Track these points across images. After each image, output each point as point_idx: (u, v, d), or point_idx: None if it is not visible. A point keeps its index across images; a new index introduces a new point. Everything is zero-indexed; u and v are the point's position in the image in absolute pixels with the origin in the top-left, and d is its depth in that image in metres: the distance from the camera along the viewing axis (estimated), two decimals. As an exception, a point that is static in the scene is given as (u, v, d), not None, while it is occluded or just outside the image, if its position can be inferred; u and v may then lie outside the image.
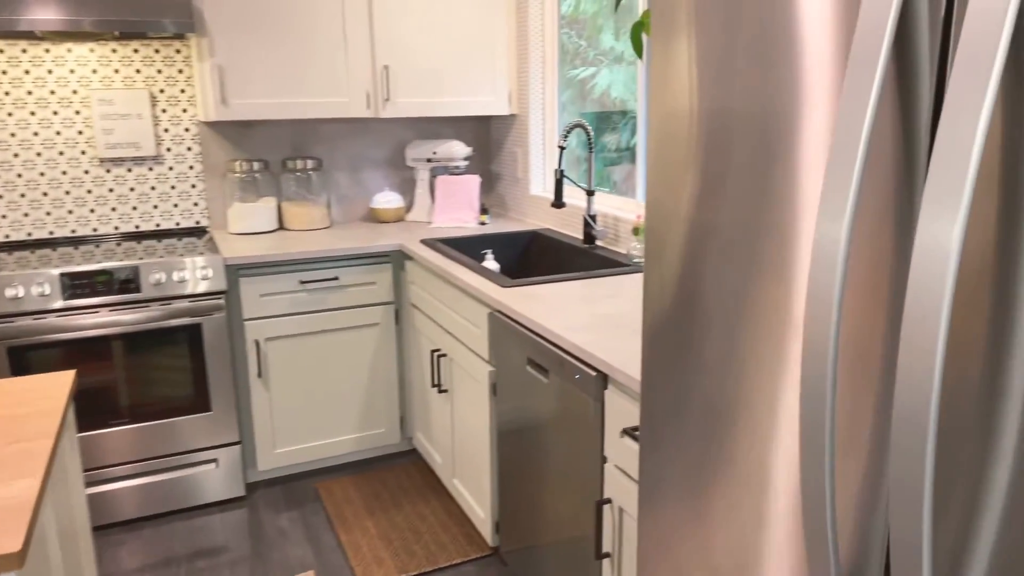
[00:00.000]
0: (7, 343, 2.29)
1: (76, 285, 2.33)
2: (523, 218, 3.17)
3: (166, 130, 2.88)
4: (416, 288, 2.63)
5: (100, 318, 2.36)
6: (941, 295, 0.59)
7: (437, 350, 2.46)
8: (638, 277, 2.13)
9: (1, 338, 2.28)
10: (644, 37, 1.69)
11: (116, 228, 2.88)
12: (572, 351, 1.62)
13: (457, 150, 3.10)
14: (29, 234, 2.76)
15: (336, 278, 2.65)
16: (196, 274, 2.46)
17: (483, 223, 3.06)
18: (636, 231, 2.21)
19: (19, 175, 2.72)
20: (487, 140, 3.41)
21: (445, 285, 2.35)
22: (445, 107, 2.97)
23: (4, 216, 2.72)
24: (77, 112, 2.75)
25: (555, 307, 1.86)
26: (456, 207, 3.06)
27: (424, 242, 2.69)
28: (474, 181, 3.06)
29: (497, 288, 2.05)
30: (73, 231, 2.82)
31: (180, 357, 2.49)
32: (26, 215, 2.75)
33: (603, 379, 1.54)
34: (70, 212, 2.80)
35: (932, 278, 0.59)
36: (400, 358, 2.85)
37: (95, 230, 2.85)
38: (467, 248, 2.77)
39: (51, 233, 2.79)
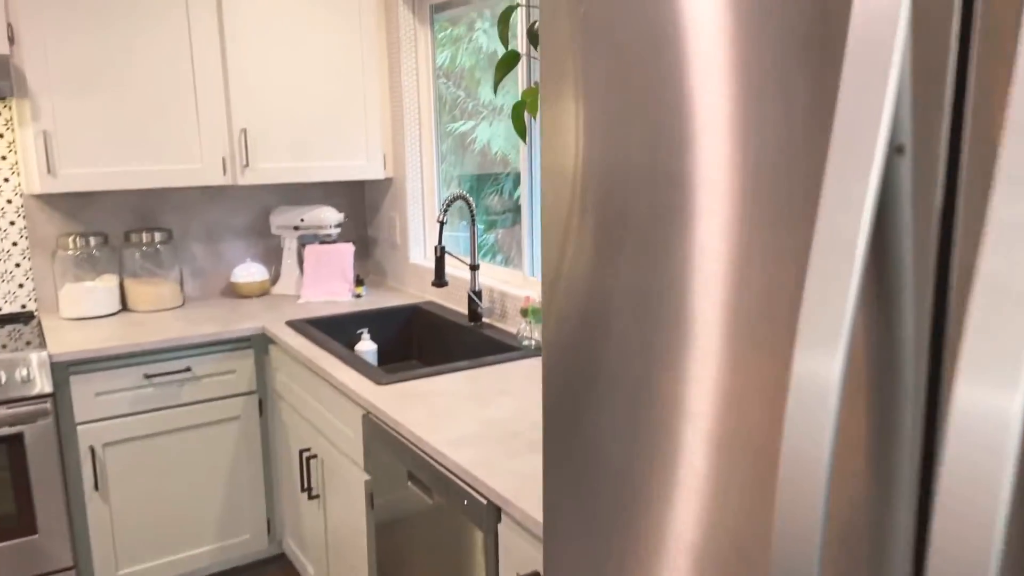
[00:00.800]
0: None
1: None
2: (402, 287, 2.95)
3: (-19, 202, 2.48)
4: (282, 376, 2.35)
5: None
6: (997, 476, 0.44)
7: (306, 450, 2.18)
8: (529, 363, 1.96)
9: None
10: (527, 116, 1.54)
11: (-83, 318, 2.44)
12: (458, 472, 1.41)
13: (327, 216, 2.86)
14: None
15: (188, 369, 2.34)
16: (15, 375, 2.08)
17: (359, 295, 2.82)
18: (526, 312, 2.05)
19: None
20: (361, 203, 3.19)
21: (313, 377, 2.09)
22: (313, 172, 2.73)
23: None
24: None
25: (438, 410, 1.65)
26: (328, 279, 2.81)
27: (291, 324, 2.42)
28: (347, 250, 2.82)
29: (371, 386, 1.82)
30: None
31: (-6, 474, 2.09)
32: None
33: (496, 509, 1.33)
34: None
35: (979, 457, 0.44)
36: (266, 454, 2.54)
37: None
38: (339, 328, 2.52)
39: None
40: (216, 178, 2.57)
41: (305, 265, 2.82)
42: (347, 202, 3.15)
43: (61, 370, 2.19)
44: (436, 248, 2.21)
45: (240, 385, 2.43)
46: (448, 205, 2.21)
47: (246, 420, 2.46)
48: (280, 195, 3.00)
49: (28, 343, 2.24)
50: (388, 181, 2.97)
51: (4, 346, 2.20)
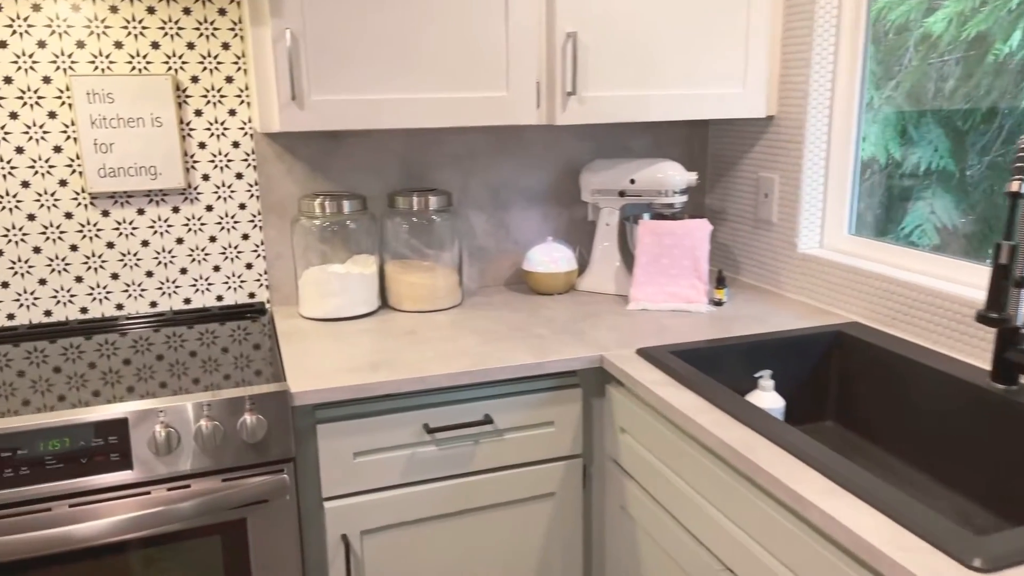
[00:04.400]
0: None
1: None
2: (778, 290, 1.91)
3: (202, 146, 1.73)
4: (632, 441, 1.41)
5: (44, 521, 1.22)
6: None
7: (703, 598, 1.22)
8: None
9: None
10: None
11: (119, 307, 1.75)
12: None
13: (672, 177, 1.86)
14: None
15: (488, 419, 1.45)
16: (237, 427, 1.29)
17: (719, 303, 1.82)
18: None
19: (-45, 223, 1.61)
20: (702, 158, 2.17)
21: (735, 479, 1.12)
22: (661, 105, 1.73)
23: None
24: (52, 115, 1.62)
25: None
26: (672, 274, 1.82)
27: (646, 355, 1.46)
28: (703, 231, 1.82)
29: (946, 565, 0.80)
30: (48, 312, 1.70)
31: None
32: (4, 285, 1.64)
33: None
34: (41, 283, 1.68)
35: None
36: (589, 549, 1.62)
37: (84, 311, 1.73)
38: (717, 363, 1.53)
39: (10, 317, 1.68)
40: (526, 113, 1.65)
41: (638, 251, 1.84)
42: (683, 154, 2.14)
43: (305, 416, 1.38)
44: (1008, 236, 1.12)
45: (560, 444, 1.52)
46: None
47: (564, 499, 1.55)
48: (592, 142, 2.04)
49: (259, 359, 1.46)
50: (761, 124, 1.91)
51: (227, 367, 1.43)
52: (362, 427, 1.39)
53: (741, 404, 1.22)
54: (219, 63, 1.71)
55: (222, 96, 1.72)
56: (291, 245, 1.83)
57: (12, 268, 1.65)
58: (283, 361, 1.46)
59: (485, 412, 1.46)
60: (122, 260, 1.72)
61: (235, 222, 1.78)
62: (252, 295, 1.83)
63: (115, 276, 1.72)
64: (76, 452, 1.20)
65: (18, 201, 1.63)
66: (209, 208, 1.76)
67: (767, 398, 1.44)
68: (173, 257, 1.76)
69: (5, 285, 1.65)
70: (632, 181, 1.89)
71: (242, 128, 1.75)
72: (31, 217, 1.64)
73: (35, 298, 1.68)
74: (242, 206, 1.78)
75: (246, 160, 1.76)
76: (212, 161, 1.74)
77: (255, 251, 1.81)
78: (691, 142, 2.13)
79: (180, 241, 1.75)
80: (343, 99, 1.52)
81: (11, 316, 1.67)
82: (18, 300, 1.66)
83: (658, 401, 1.30)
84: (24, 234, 1.64)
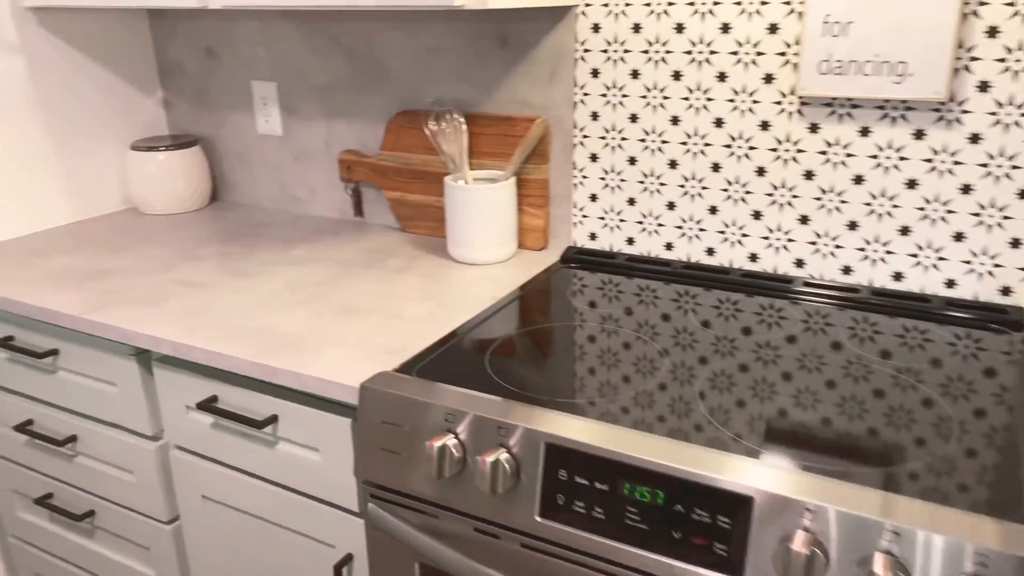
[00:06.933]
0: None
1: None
2: None
3: (992, 33, 1.02)
4: None
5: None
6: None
7: None
8: None
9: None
10: None
11: (799, 264, 1.24)
12: None
13: None
14: (664, 247, 1.36)
15: None
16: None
17: None
18: None
19: (660, 125, 1.29)
20: None
21: None
22: None
23: (630, 205, 1.36)
24: (776, -21, 1.12)
25: None
26: None
27: None
28: None
29: None
30: (711, 250, 1.30)
31: None
32: (670, 206, 1.34)
33: None
34: (712, 211, 1.27)
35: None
36: None
37: (753, 258, 1.27)
38: None
39: (668, 247, 1.33)
40: None
41: None
42: None
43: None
44: None
45: None
46: None
47: None
48: None
49: (988, 429, 0.78)
50: None
51: (920, 419, 0.81)
52: None
53: None
54: None
55: (1060, -59, 0.96)
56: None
57: (683, 187, 1.28)
58: (1059, 470, 0.75)
59: None
60: (819, 199, 1.19)
61: (1012, 167, 1.05)
62: (1006, 291, 1.10)
63: (804, 220, 1.21)
64: (669, 518, 0.77)
65: (708, 99, 1.22)
66: (974, 139, 1.06)
67: None
68: (895, 206, 1.14)
69: (671, 206, 1.30)
70: None
71: (1082, 1, 0.96)
72: (718, 123, 1.22)
73: (700, 229, 1.29)
74: (1038, 142, 1.03)
75: (1071, 61, 0.99)
76: (1003, 60, 1.02)
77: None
78: None
79: (912, 185, 1.12)
80: None
81: (669, 246, 1.33)
82: (681, 228, 1.30)
83: None
84: (706, 144, 1.24)
